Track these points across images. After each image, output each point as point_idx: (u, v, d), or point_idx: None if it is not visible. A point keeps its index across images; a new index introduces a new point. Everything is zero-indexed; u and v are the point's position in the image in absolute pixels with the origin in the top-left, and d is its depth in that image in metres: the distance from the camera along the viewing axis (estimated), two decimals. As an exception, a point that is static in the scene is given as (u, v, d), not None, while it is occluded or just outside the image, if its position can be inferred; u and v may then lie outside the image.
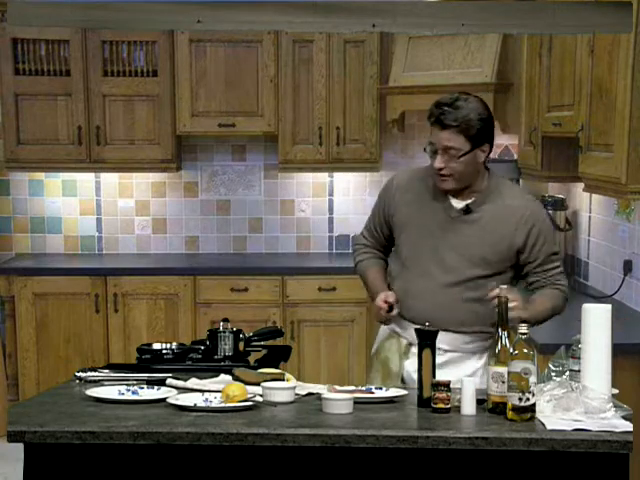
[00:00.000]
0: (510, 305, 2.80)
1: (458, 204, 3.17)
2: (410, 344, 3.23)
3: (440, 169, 3.08)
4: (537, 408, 2.64)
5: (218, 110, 5.87)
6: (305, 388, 2.98)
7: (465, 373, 3.15)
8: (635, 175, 3.54)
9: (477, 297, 3.13)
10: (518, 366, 2.61)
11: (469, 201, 3.16)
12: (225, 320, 3.41)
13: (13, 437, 2.59)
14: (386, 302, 3.18)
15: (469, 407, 2.71)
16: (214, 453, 2.62)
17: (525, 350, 2.63)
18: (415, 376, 3.01)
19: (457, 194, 3.17)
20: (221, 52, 5.84)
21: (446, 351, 3.17)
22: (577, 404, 2.63)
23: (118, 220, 6.29)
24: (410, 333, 3.10)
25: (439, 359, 3.04)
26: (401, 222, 3.26)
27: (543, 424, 2.59)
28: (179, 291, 5.72)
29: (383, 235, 3.38)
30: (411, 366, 3.19)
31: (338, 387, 2.95)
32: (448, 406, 2.72)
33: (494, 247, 3.15)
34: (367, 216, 3.50)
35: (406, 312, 3.22)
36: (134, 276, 5.72)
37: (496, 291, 2.87)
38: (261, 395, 2.84)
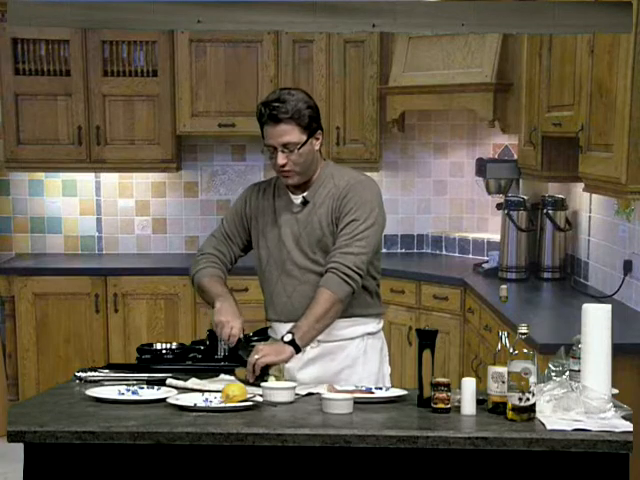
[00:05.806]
0: (258, 357, 2.97)
1: (297, 199, 3.23)
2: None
3: (283, 165, 3.12)
4: (537, 408, 2.64)
5: (218, 110, 5.87)
6: (305, 388, 2.98)
7: (344, 364, 3.21)
8: (635, 175, 3.55)
9: None
10: (518, 366, 2.61)
11: (305, 193, 3.22)
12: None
13: (13, 437, 2.59)
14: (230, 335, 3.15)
15: (469, 407, 2.71)
16: (214, 453, 2.62)
17: (525, 350, 2.63)
18: (297, 374, 3.15)
19: (296, 189, 3.22)
20: (221, 52, 5.84)
21: (320, 342, 3.18)
22: (577, 404, 2.63)
23: (118, 220, 6.29)
24: (282, 333, 3.12)
25: (310, 353, 3.14)
26: (257, 231, 3.30)
27: (543, 424, 2.59)
28: (179, 291, 5.72)
29: (241, 240, 3.35)
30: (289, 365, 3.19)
31: (338, 387, 2.95)
32: (448, 406, 2.71)
33: (328, 227, 3.18)
34: None
35: (272, 314, 3.29)
36: (134, 276, 5.73)
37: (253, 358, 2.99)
38: (261, 395, 2.84)
